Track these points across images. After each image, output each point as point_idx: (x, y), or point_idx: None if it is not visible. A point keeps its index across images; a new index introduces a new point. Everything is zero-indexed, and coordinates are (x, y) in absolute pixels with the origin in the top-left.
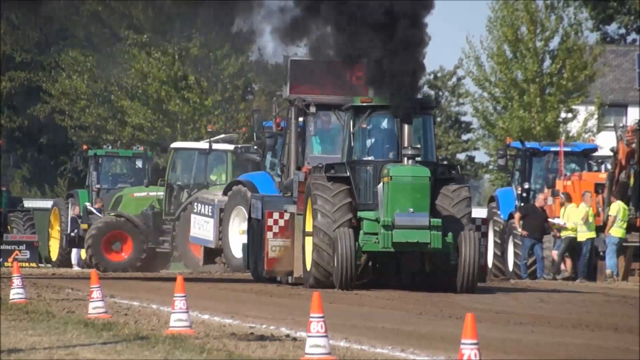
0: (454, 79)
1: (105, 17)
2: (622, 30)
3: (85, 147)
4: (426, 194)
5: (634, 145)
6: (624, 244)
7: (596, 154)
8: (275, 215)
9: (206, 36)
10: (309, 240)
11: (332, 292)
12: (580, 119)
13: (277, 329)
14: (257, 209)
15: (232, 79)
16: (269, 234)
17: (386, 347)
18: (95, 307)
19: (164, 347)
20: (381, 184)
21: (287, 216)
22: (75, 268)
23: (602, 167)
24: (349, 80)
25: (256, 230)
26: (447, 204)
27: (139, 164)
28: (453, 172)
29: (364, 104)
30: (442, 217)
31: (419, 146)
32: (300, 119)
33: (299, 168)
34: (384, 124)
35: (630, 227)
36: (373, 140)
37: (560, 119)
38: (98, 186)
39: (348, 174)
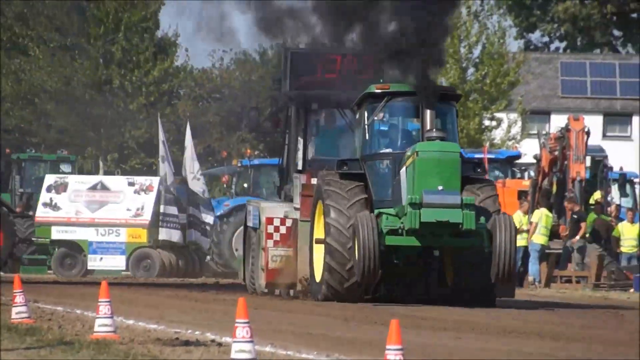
0: None
1: (31, 19)
2: (546, 39)
3: (8, 150)
4: (457, 170)
5: (556, 153)
6: (547, 250)
7: (520, 161)
8: (276, 222)
9: (130, 40)
10: (318, 249)
11: (295, 302)
12: (504, 127)
13: (202, 334)
14: (254, 216)
15: (158, 84)
16: (269, 242)
17: (312, 352)
18: (19, 312)
19: (88, 352)
20: (404, 169)
21: (289, 223)
22: None
23: (526, 174)
24: (356, 73)
25: (253, 240)
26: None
27: (64, 168)
28: (479, 169)
29: (380, 91)
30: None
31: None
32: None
33: (299, 171)
34: (403, 112)
35: (553, 235)
36: (390, 131)
37: (483, 126)
38: (21, 190)
39: (363, 170)
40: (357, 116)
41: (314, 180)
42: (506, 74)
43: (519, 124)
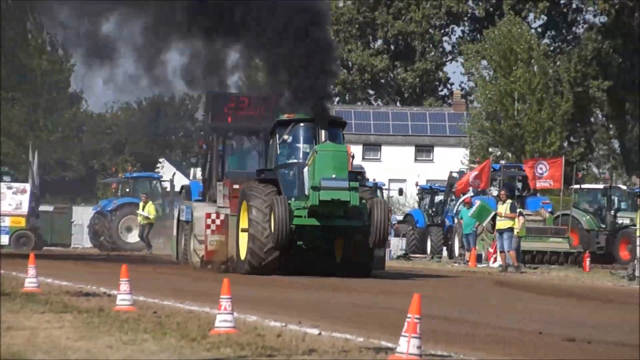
0: None
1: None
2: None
3: None
4: (345, 163)
5: None
6: None
7: None
8: (213, 216)
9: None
10: (243, 236)
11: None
12: None
13: (97, 289)
14: (186, 212)
15: (70, 123)
16: (208, 231)
17: (171, 301)
18: None
19: (20, 300)
20: (306, 168)
21: (222, 217)
22: None
23: None
24: (258, 110)
25: (185, 230)
26: None
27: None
28: (359, 177)
29: (288, 119)
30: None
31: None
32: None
33: (219, 181)
34: (305, 133)
35: None
36: (295, 147)
37: None
38: None
39: (276, 177)
40: (271, 137)
41: (235, 186)
42: None
43: None
